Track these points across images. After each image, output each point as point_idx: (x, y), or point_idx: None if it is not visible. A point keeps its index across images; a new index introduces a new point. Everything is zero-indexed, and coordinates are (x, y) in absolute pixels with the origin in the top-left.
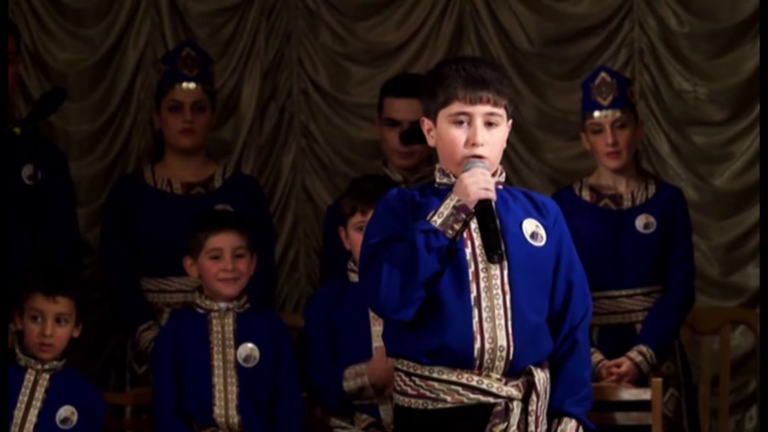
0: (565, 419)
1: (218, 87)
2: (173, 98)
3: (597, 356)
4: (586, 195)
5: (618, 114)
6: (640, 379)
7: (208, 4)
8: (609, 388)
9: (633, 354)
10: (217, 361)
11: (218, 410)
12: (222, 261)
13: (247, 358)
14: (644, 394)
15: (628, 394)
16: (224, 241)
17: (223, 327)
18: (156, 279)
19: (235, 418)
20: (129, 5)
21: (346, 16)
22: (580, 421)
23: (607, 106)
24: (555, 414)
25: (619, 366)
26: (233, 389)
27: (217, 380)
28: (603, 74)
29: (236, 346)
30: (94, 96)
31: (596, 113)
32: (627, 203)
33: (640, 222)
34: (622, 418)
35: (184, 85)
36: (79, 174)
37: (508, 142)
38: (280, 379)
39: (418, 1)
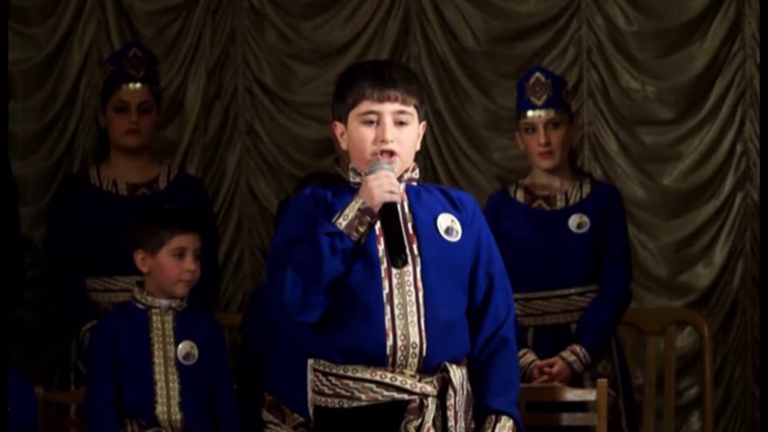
0: (504, 417)
1: (163, 86)
2: (119, 99)
3: (529, 357)
4: (520, 197)
5: (551, 114)
6: (574, 379)
7: (154, 3)
8: (553, 389)
9: (566, 354)
10: (158, 358)
11: (160, 407)
12: (185, 261)
13: (186, 356)
14: (589, 395)
15: (572, 395)
16: (189, 241)
17: (163, 324)
18: (101, 278)
19: (177, 416)
20: (74, 4)
21: (291, 15)
22: (516, 422)
23: (541, 105)
24: (490, 412)
25: (551, 366)
26: (175, 386)
27: (159, 377)
28: (538, 74)
29: (176, 344)
30: (39, 95)
31: (530, 113)
32: (560, 203)
33: (573, 222)
34: (562, 418)
35: (131, 85)
36: (23, 173)
37: (455, 141)
38: (217, 380)
39: (363, 0)
